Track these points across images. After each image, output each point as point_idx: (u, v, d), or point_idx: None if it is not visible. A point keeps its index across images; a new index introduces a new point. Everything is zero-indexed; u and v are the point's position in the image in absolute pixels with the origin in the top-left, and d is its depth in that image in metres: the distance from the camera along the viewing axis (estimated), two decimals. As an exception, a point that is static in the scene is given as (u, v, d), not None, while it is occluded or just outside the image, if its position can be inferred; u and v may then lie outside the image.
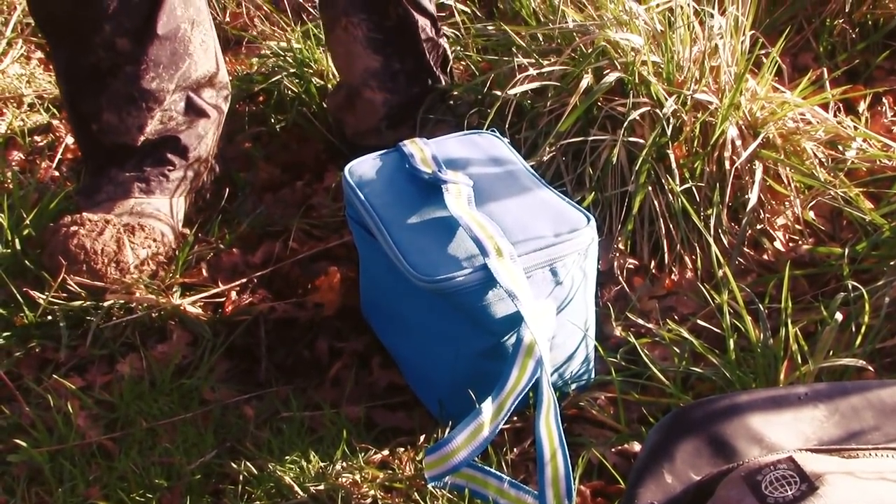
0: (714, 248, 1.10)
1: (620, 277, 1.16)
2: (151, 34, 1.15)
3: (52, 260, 1.12)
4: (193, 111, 1.22)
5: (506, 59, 1.33)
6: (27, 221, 1.18)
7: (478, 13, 1.60)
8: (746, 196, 1.20)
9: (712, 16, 1.26)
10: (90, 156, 1.24)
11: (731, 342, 0.98)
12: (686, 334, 1.00)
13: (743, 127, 1.22)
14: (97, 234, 1.13)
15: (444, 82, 1.35)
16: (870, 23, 1.48)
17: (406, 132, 1.32)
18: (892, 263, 1.06)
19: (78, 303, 1.09)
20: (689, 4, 1.26)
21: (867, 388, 0.76)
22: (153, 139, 1.20)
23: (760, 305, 1.02)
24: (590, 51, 1.24)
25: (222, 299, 1.13)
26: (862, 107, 1.36)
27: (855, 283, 1.01)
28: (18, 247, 1.15)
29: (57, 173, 1.35)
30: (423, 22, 1.30)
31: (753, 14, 1.27)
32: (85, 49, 1.14)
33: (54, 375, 1.02)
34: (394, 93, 1.31)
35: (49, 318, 1.09)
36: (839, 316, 0.95)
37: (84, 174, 1.26)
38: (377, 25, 1.27)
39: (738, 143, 1.21)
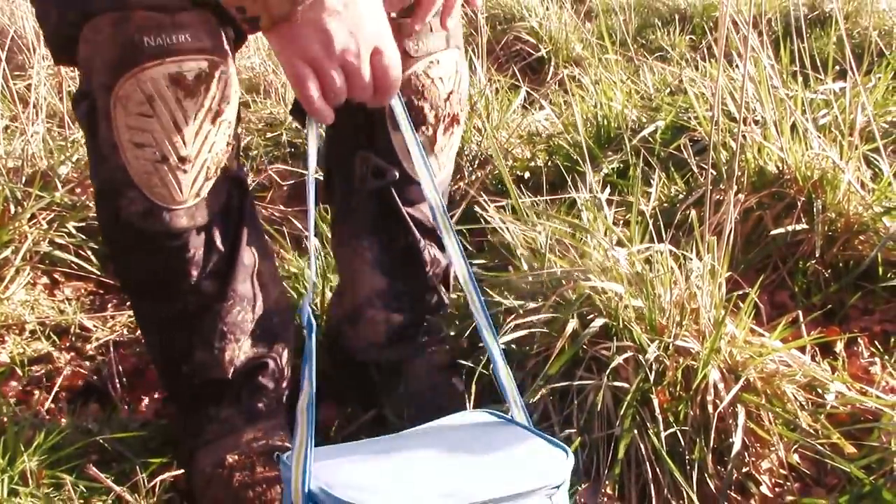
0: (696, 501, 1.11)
1: (606, 522, 1.16)
2: (235, 269, 1.20)
3: None
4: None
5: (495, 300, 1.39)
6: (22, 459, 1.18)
7: (468, 246, 1.68)
8: (731, 440, 1.22)
9: (690, 259, 1.33)
10: (179, 397, 1.26)
11: None
12: None
13: (724, 370, 1.26)
14: (249, 473, 1.15)
15: (446, 300, 1.40)
16: (840, 264, 1.55)
17: (405, 348, 1.35)
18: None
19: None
20: (667, 249, 1.33)
21: None
22: (243, 369, 1.23)
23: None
24: (574, 297, 1.30)
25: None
26: (839, 348, 1.40)
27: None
28: (7, 489, 1.15)
29: (54, 405, 1.37)
30: (427, 243, 1.35)
31: (728, 260, 1.34)
32: (172, 298, 1.17)
33: None
34: (398, 311, 1.35)
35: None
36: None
37: (178, 414, 1.28)
38: (386, 248, 1.33)
39: (721, 386, 1.25)
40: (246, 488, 1.17)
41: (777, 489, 1.21)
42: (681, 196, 1.71)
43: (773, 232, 1.54)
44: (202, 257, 1.17)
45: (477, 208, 1.63)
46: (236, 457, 1.18)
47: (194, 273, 1.16)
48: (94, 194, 1.17)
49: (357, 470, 0.96)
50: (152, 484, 1.15)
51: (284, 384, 1.27)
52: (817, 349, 1.38)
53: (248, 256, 1.21)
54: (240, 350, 1.22)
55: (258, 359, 1.24)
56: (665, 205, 1.63)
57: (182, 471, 1.20)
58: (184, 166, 1.09)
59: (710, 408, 1.23)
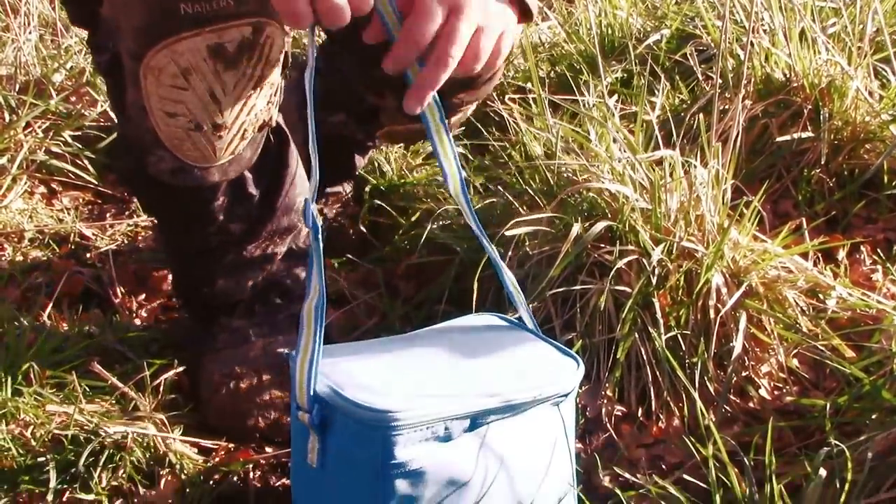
0: (698, 402, 1.11)
1: (608, 425, 1.17)
2: (269, 212, 1.17)
3: (226, 419, 1.15)
4: (294, 258, 1.24)
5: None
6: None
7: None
8: (731, 344, 1.22)
9: (695, 166, 1.31)
10: (192, 306, 1.26)
11: (718, 497, 0.98)
12: (672, 490, 1.01)
13: (727, 275, 1.26)
14: (257, 383, 1.15)
15: None
16: (846, 172, 1.54)
17: None
18: (874, 417, 1.08)
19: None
20: (675, 154, 1.32)
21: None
22: (261, 288, 1.22)
23: (746, 458, 1.03)
24: (580, 198, 1.29)
25: (215, 445, 1.13)
26: (841, 255, 1.40)
27: (837, 441, 1.02)
28: (10, 389, 1.16)
29: (55, 311, 1.37)
30: None
31: (734, 167, 1.32)
32: (197, 236, 1.16)
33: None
34: None
35: (40, 459, 1.09)
36: (823, 472, 0.96)
37: (187, 320, 1.27)
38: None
39: (724, 290, 1.25)
40: (253, 398, 1.17)
41: (776, 392, 1.22)
42: (685, 105, 1.68)
43: (779, 139, 1.52)
44: (231, 203, 1.14)
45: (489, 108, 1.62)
46: (245, 367, 1.18)
47: (221, 217, 1.14)
48: (118, 140, 1.12)
49: (364, 370, 0.96)
50: (155, 383, 1.15)
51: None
52: (820, 256, 1.38)
53: (290, 198, 1.19)
54: (263, 278, 1.22)
55: (279, 281, 1.23)
56: (670, 113, 1.60)
57: (183, 368, 1.20)
58: (219, 132, 1.03)
59: (712, 312, 1.23)
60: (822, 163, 1.52)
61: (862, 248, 1.43)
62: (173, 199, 1.12)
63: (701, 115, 1.47)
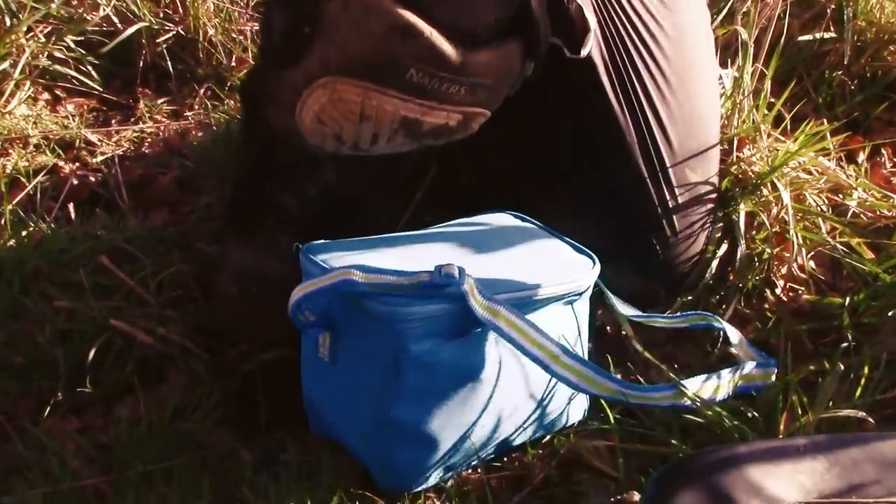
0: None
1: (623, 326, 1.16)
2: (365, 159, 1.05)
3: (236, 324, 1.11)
4: None
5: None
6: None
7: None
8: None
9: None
10: (232, 217, 1.17)
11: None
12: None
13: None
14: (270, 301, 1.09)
15: None
16: (868, 75, 1.50)
17: None
18: (890, 314, 1.06)
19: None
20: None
21: (867, 441, 0.75)
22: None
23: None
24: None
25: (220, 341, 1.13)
26: (861, 158, 1.37)
27: (855, 335, 1.01)
28: (18, 286, 1.15)
29: (61, 213, 1.36)
30: None
31: (774, 67, 1.29)
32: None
33: (51, 417, 1.02)
34: None
35: (48, 356, 1.09)
36: (840, 367, 0.95)
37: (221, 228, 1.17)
38: None
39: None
40: (266, 313, 1.15)
41: (791, 294, 1.20)
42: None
43: (801, 39, 1.48)
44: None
45: None
46: (261, 287, 1.14)
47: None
48: (247, 97, 1.03)
49: (378, 264, 0.94)
50: (159, 279, 1.14)
51: None
52: (843, 157, 1.35)
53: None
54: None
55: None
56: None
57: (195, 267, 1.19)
58: (357, 150, 0.95)
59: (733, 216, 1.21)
60: (845, 64, 1.48)
61: (883, 150, 1.40)
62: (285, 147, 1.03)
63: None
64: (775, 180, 1.21)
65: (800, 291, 1.20)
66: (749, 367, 1.02)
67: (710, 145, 1.16)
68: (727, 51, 1.37)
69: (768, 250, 1.20)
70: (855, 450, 0.74)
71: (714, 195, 1.17)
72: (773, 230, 1.20)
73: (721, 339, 1.11)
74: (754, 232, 1.20)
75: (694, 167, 1.12)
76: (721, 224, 1.20)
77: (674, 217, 1.12)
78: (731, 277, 1.19)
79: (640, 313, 1.09)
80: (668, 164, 1.10)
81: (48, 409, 1.04)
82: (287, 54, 0.92)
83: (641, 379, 1.08)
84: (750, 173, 1.23)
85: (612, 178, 1.11)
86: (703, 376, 1.00)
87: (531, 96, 0.99)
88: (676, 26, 1.08)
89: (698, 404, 0.95)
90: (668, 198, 1.11)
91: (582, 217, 1.12)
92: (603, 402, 1.01)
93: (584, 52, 0.96)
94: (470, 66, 0.86)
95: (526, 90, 0.98)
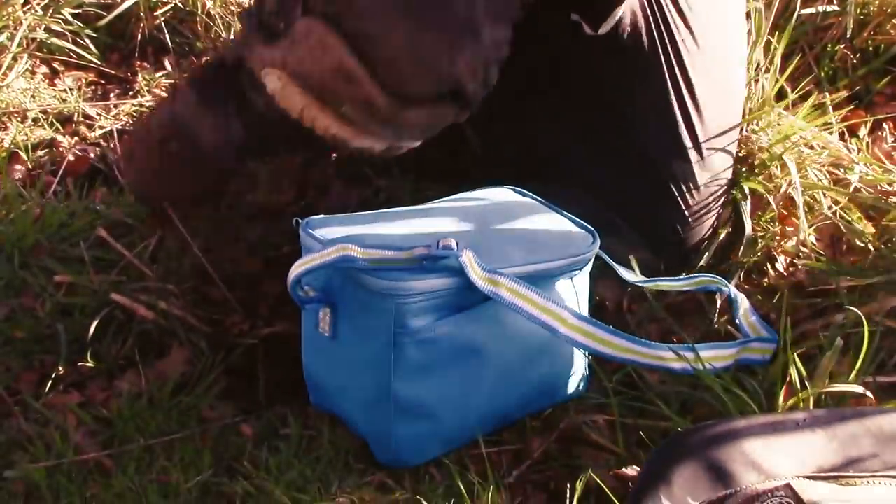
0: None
1: (623, 302, 1.16)
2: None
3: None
4: None
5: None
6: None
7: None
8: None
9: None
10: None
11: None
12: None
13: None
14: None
15: None
16: (871, 48, 1.49)
17: None
18: (890, 289, 1.06)
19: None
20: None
21: (865, 415, 0.76)
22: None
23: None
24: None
25: (221, 315, 1.13)
26: (863, 132, 1.36)
27: (855, 310, 1.01)
28: (18, 261, 1.15)
29: (60, 188, 1.36)
30: None
31: (786, 42, 1.28)
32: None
33: (52, 391, 1.02)
34: None
35: (49, 331, 1.09)
36: (839, 342, 0.95)
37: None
38: None
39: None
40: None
41: (791, 268, 1.20)
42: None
43: (803, 12, 1.46)
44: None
45: None
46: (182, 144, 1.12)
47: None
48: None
49: (377, 238, 0.94)
50: (150, 249, 1.14)
51: None
52: (846, 131, 1.34)
53: None
54: None
55: None
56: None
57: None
58: None
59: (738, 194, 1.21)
60: (847, 38, 1.47)
61: (885, 125, 1.39)
62: None
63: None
64: (784, 157, 1.20)
65: (799, 266, 1.20)
66: (751, 341, 1.03)
67: (736, 124, 1.16)
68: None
69: (772, 228, 1.20)
70: (853, 424, 0.75)
71: (731, 174, 1.18)
72: (780, 206, 1.20)
73: (718, 312, 1.11)
74: (760, 212, 1.20)
75: (721, 145, 1.14)
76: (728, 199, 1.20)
77: (696, 191, 1.12)
78: (734, 252, 1.19)
79: (644, 278, 1.09)
80: (700, 139, 1.11)
81: (49, 383, 1.05)
82: (264, 32, 1.00)
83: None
84: (756, 149, 1.23)
85: (647, 145, 1.12)
86: (709, 344, 1.00)
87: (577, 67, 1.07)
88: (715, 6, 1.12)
89: (709, 368, 0.96)
90: (696, 171, 1.12)
91: (604, 185, 1.14)
92: (602, 375, 1.01)
93: (603, 30, 0.99)
94: (400, 119, 0.97)
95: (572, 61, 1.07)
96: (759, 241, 1.19)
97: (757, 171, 1.22)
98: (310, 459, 0.95)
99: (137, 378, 1.04)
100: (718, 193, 1.16)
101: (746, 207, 1.19)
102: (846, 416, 0.76)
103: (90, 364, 1.06)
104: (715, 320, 1.12)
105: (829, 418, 0.76)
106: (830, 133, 1.29)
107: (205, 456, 0.95)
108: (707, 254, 1.17)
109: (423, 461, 0.96)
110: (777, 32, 1.33)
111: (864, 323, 0.96)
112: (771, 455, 0.72)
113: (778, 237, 1.19)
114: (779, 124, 1.25)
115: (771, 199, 1.20)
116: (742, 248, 1.18)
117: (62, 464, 0.94)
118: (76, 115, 1.56)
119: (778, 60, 1.28)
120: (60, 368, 1.06)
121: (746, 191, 1.20)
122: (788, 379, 0.95)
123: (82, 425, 0.99)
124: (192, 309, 1.12)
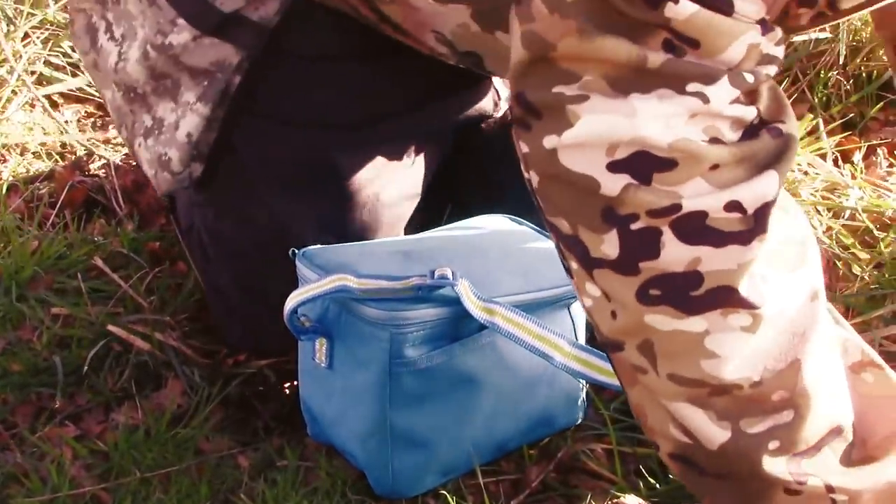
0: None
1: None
2: None
3: None
4: None
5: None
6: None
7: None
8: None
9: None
10: None
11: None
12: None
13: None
14: None
15: None
16: (864, 75, 1.50)
17: None
18: (883, 314, 1.07)
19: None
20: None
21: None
22: None
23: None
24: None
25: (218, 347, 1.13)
26: (857, 158, 1.37)
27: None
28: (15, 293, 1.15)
29: (58, 220, 1.36)
30: None
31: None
32: None
33: (49, 424, 1.02)
34: None
35: (46, 363, 1.09)
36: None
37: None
38: None
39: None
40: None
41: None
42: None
43: (796, 39, 1.48)
44: None
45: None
46: None
47: None
48: None
49: (372, 269, 0.94)
50: (147, 281, 1.15)
51: None
52: (839, 156, 1.35)
53: None
54: None
55: None
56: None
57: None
58: None
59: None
60: (840, 64, 1.48)
61: (878, 150, 1.40)
62: None
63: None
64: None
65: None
66: None
67: None
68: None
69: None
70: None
71: None
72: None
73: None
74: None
75: None
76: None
77: None
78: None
79: None
80: None
81: (46, 415, 1.05)
82: None
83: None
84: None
85: None
86: None
87: None
88: None
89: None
90: None
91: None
92: (599, 403, 1.01)
93: None
94: None
95: None
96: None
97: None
98: (307, 491, 0.95)
99: (134, 410, 1.04)
100: None
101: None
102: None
103: (87, 396, 1.06)
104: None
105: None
106: (824, 159, 1.30)
107: (202, 488, 0.95)
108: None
109: (421, 492, 0.96)
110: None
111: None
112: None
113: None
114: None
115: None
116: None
117: (58, 497, 0.94)
118: (75, 147, 1.57)
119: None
120: (57, 401, 1.06)
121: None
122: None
123: (78, 458, 0.99)
124: (187, 340, 1.12)
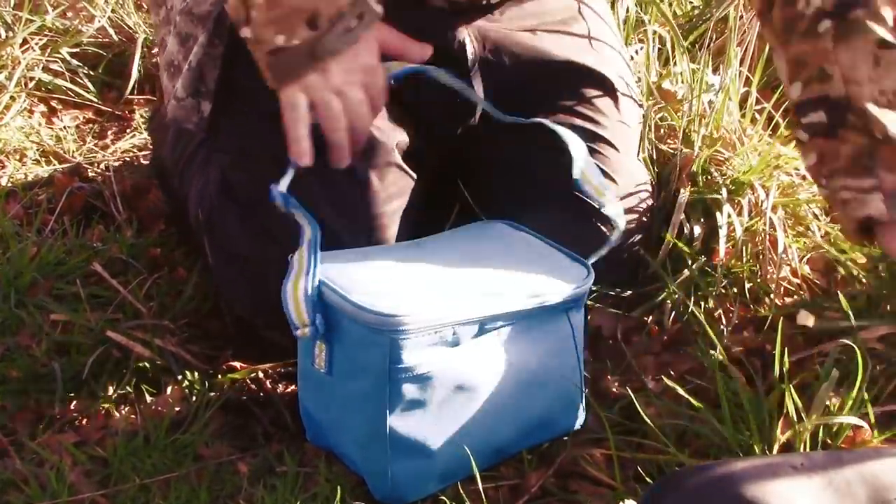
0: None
1: (617, 334, 1.16)
2: None
3: None
4: None
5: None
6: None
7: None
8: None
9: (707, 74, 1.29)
10: None
11: (726, 400, 0.98)
12: (681, 391, 1.00)
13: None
14: None
15: None
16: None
17: None
18: (884, 317, 1.07)
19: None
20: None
21: (863, 460, 0.75)
22: None
23: (750, 364, 1.02)
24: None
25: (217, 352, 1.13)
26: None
27: (849, 340, 1.01)
28: (14, 299, 1.15)
29: (57, 226, 1.36)
30: None
31: (759, 74, 1.30)
32: None
33: (48, 430, 1.02)
34: None
35: (45, 369, 1.09)
36: (835, 373, 0.96)
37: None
38: None
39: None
40: None
41: (787, 298, 1.21)
42: (696, 11, 1.64)
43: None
44: None
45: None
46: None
47: None
48: None
49: (371, 275, 0.95)
50: (145, 287, 1.15)
51: None
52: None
53: None
54: None
55: None
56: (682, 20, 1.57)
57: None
58: None
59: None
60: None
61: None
62: None
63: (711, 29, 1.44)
64: (755, 182, 1.21)
65: (795, 297, 1.21)
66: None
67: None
68: (720, 56, 1.38)
69: (760, 254, 1.21)
70: (850, 471, 0.74)
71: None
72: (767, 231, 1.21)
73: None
74: (744, 237, 1.21)
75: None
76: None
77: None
78: (723, 281, 1.19)
79: None
80: None
81: (45, 422, 1.05)
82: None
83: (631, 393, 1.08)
84: (733, 177, 1.24)
85: None
86: None
87: None
88: None
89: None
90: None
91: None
92: (598, 408, 1.01)
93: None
94: None
95: None
96: (749, 266, 1.20)
97: (734, 194, 1.23)
98: (306, 497, 0.95)
99: (133, 416, 1.04)
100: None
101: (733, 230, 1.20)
102: (843, 461, 0.76)
103: (86, 402, 1.06)
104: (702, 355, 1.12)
105: (825, 463, 0.75)
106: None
107: (201, 494, 0.95)
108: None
109: (421, 497, 0.96)
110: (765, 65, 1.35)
111: (858, 353, 0.96)
112: (768, 499, 0.71)
113: (770, 267, 1.20)
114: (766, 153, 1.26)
115: (763, 226, 1.20)
116: (728, 270, 1.19)
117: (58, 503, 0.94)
118: (73, 153, 1.57)
119: (754, 89, 1.29)
120: (56, 407, 1.06)
121: (736, 222, 1.21)
122: (785, 412, 0.95)
123: (78, 465, 0.99)
124: (187, 346, 1.12)
